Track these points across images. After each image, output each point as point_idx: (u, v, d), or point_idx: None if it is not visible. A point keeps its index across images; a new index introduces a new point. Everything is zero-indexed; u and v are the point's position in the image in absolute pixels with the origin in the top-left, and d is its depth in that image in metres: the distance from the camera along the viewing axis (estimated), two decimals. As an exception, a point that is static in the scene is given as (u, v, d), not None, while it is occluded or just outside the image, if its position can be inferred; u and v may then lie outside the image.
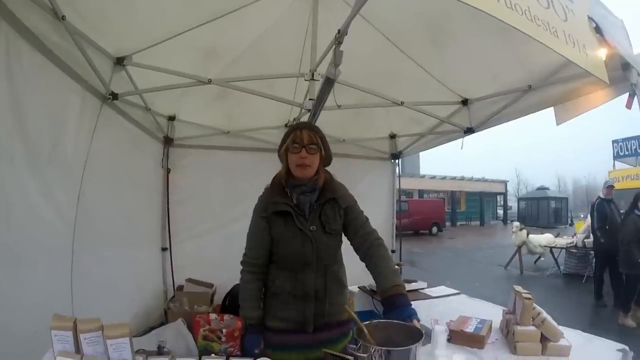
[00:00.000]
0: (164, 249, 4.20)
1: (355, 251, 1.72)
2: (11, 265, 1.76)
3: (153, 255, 4.08)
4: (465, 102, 3.36)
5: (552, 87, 2.58)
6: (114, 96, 2.69)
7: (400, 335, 1.31)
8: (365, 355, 1.17)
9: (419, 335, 1.25)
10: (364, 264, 1.70)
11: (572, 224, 14.58)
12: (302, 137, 1.63)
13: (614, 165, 15.09)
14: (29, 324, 1.55)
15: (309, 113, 2.40)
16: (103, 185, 2.74)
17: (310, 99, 2.22)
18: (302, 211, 1.64)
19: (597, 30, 1.63)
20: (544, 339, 1.68)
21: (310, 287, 1.62)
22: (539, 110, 2.80)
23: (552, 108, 2.64)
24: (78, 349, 1.23)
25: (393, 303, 1.46)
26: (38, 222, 2.02)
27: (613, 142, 15.59)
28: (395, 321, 1.40)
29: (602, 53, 1.63)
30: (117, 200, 3.01)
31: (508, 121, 3.19)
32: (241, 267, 1.74)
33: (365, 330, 1.27)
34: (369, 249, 1.65)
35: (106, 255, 2.79)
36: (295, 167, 1.63)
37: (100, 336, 1.23)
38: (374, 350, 1.17)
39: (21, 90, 1.80)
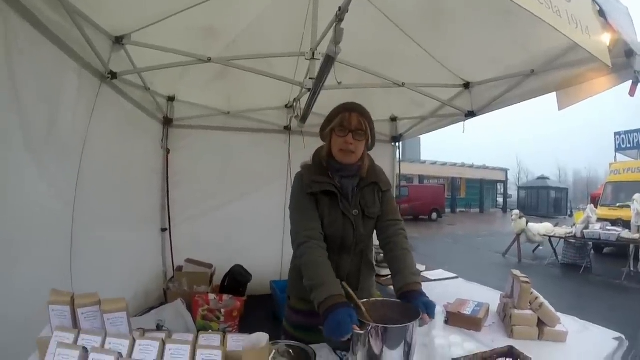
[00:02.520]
0: (163, 230, 4.23)
1: (377, 234, 1.66)
2: (8, 247, 1.75)
3: (152, 236, 4.10)
4: (467, 85, 3.33)
5: (554, 72, 2.55)
6: (113, 75, 2.66)
7: (398, 314, 1.31)
8: (362, 332, 1.17)
9: (416, 314, 1.25)
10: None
11: (571, 215, 14.64)
12: (351, 120, 1.52)
13: (615, 157, 15.06)
14: (27, 307, 1.53)
15: (309, 93, 2.36)
16: (102, 166, 2.72)
17: (310, 78, 2.18)
18: (346, 194, 1.59)
19: (601, 13, 1.58)
20: (540, 324, 1.68)
21: (344, 270, 1.58)
22: (541, 95, 2.76)
23: (554, 94, 2.59)
24: (76, 323, 1.24)
25: (411, 293, 1.39)
26: (35, 204, 2.00)
27: (615, 134, 15.55)
28: (393, 300, 1.40)
29: (606, 37, 1.59)
30: (116, 181, 3.00)
31: (510, 105, 3.16)
32: (299, 246, 1.47)
33: (363, 308, 1.27)
34: (393, 237, 1.59)
35: (105, 236, 2.79)
36: (338, 151, 1.55)
37: (98, 311, 1.22)
38: (371, 327, 1.17)
39: (17, 69, 1.76)
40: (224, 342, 1.24)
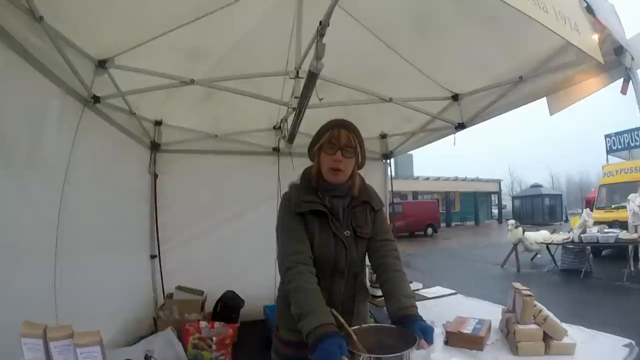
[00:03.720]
0: (152, 256, 4.12)
1: (369, 255, 1.59)
2: None
3: (142, 263, 4.00)
4: (455, 97, 3.32)
5: (543, 76, 2.53)
6: (96, 99, 2.63)
7: (393, 340, 1.23)
8: None
9: (412, 340, 1.17)
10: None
11: (567, 221, 14.68)
12: (340, 137, 1.45)
13: (607, 159, 15.22)
14: (6, 338, 1.45)
15: (295, 112, 2.33)
16: (87, 190, 2.67)
17: (295, 97, 2.15)
18: (336, 214, 1.51)
19: (589, 10, 1.57)
20: (546, 338, 1.61)
21: (338, 296, 1.50)
22: (531, 102, 2.74)
23: (544, 99, 2.58)
24: (49, 357, 1.16)
25: (407, 318, 1.32)
26: (16, 226, 1.94)
27: (606, 136, 15.77)
28: (387, 325, 1.32)
29: (595, 33, 1.58)
30: (102, 206, 2.94)
31: (500, 114, 3.14)
32: (286, 272, 1.39)
33: (354, 336, 1.19)
34: (385, 258, 1.53)
35: (92, 262, 2.71)
36: (327, 170, 1.48)
37: (71, 344, 1.15)
38: (363, 358, 1.09)
39: None
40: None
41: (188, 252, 4.24)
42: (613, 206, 10.62)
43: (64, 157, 2.39)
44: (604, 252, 9.88)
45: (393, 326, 1.31)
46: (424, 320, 1.31)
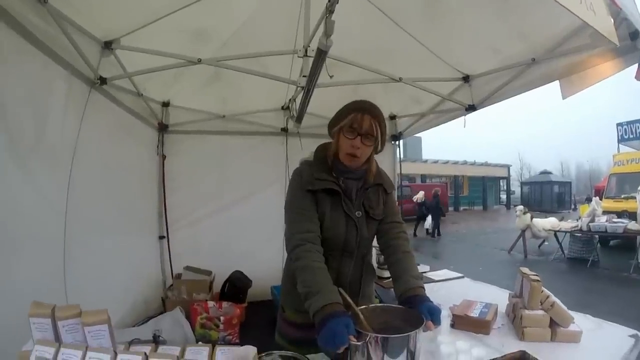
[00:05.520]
0: (161, 237, 4.16)
1: (377, 237, 1.58)
2: None
3: (150, 244, 4.04)
4: (466, 78, 3.26)
5: (557, 59, 2.48)
6: (103, 81, 2.62)
7: (400, 321, 1.22)
8: (359, 343, 1.09)
9: (419, 321, 1.16)
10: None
11: (575, 209, 14.50)
12: (362, 123, 1.40)
13: (618, 148, 14.92)
14: (17, 319, 1.47)
15: (303, 91, 2.29)
16: (95, 173, 2.67)
17: (304, 76, 2.11)
18: (349, 195, 1.49)
19: None
20: (553, 324, 1.60)
21: (346, 277, 1.50)
22: (543, 85, 2.69)
23: (557, 82, 2.53)
24: (58, 337, 1.17)
25: (414, 298, 1.31)
26: (24, 211, 1.94)
27: (617, 125, 15.40)
28: (394, 306, 1.32)
29: (610, 15, 1.51)
30: (110, 188, 2.95)
31: (511, 97, 3.08)
32: (293, 249, 1.36)
33: (361, 316, 1.18)
34: (394, 240, 1.52)
35: (100, 244, 2.73)
36: (345, 154, 1.45)
37: (79, 323, 1.16)
38: (370, 337, 1.08)
39: (0, 75, 1.71)
40: (212, 355, 1.16)
41: (196, 233, 4.28)
42: (623, 196, 10.44)
43: (71, 139, 2.38)
44: (611, 242, 9.78)
45: (400, 307, 1.30)
46: (432, 302, 1.29)
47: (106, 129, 2.85)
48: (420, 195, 15.30)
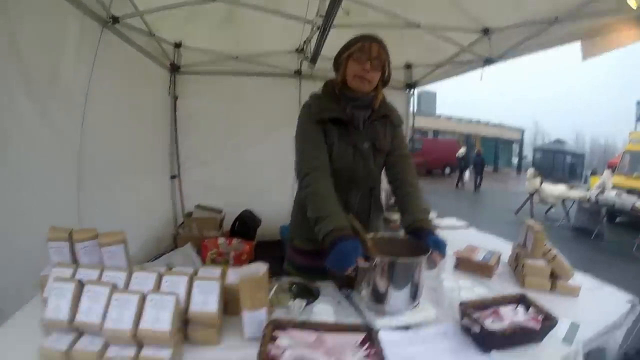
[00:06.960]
0: (172, 177, 4.23)
1: (386, 169, 1.60)
2: (12, 193, 1.76)
3: (162, 183, 4.13)
4: (486, 31, 3.11)
5: (579, 20, 2.40)
6: (115, 20, 2.57)
7: (406, 252, 1.25)
8: (367, 265, 1.12)
9: (425, 252, 1.20)
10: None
11: (586, 182, 14.25)
12: (371, 49, 1.42)
13: (635, 127, 14.44)
14: (34, 251, 1.53)
15: (319, 32, 2.21)
16: (107, 113, 2.69)
17: (320, 16, 2.04)
18: (357, 125, 1.50)
19: None
20: (553, 277, 1.63)
21: (353, 208, 1.52)
22: (564, 44, 2.65)
23: (578, 44, 2.50)
24: (75, 259, 1.22)
25: (421, 230, 1.35)
26: (39, 150, 1.99)
27: (637, 103, 14.82)
28: (401, 236, 1.35)
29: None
30: (122, 128, 2.97)
31: (530, 53, 3.04)
32: (304, 177, 1.39)
33: (369, 242, 1.22)
34: (402, 173, 1.54)
35: (113, 182, 2.80)
36: (353, 77, 1.44)
37: (96, 245, 1.21)
38: (377, 261, 1.11)
39: (14, 16, 1.71)
40: (224, 275, 1.21)
41: (207, 172, 4.33)
42: (635, 174, 10.18)
43: (84, 78, 2.38)
44: (618, 219, 9.65)
45: (407, 238, 1.33)
46: (437, 234, 1.32)
47: (118, 69, 2.83)
48: (462, 150, 17.01)
